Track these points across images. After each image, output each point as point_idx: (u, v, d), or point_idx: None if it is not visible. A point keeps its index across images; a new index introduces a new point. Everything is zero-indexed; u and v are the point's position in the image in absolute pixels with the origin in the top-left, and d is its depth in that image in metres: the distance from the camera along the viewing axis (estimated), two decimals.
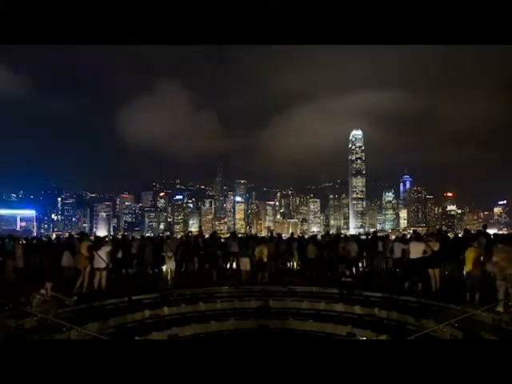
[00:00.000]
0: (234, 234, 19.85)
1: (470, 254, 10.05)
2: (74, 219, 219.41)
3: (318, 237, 21.41)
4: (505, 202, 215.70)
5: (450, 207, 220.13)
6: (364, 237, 18.51)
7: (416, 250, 12.09)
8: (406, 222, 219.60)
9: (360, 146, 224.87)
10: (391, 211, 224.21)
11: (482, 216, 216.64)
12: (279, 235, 20.01)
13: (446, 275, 13.51)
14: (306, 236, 22.29)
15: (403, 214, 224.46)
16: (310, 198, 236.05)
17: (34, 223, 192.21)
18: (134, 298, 11.83)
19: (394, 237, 21.56)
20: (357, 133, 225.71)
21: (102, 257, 11.40)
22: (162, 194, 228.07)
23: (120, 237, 24.61)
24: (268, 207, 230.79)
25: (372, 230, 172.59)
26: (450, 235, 19.38)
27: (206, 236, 19.10)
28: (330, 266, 15.51)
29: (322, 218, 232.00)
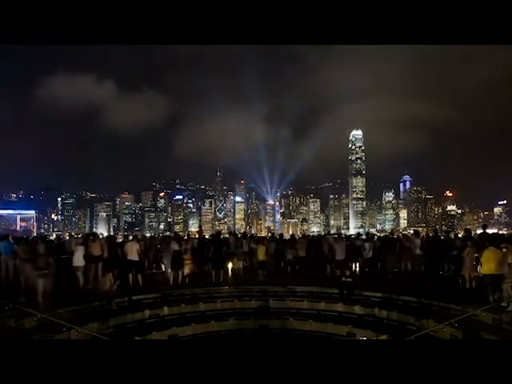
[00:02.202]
0: (233, 233, 19.82)
1: (489, 255, 9.66)
2: (73, 219, 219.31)
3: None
4: (505, 201, 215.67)
5: (450, 207, 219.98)
6: (364, 237, 18.43)
7: None
8: (405, 221, 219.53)
9: (360, 146, 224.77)
10: (391, 211, 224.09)
11: (482, 216, 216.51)
12: (281, 235, 19.99)
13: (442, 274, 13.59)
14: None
15: (403, 213, 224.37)
16: (310, 198, 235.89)
17: (34, 223, 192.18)
18: (134, 298, 11.84)
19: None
20: (357, 133, 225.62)
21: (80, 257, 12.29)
22: (162, 194, 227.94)
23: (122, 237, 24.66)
24: (268, 207, 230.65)
25: (372, 229, 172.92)
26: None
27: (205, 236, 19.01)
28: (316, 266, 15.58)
29: (322, 217, 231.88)
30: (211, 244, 16.16)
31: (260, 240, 17.23)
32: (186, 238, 17.79)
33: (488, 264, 9.53)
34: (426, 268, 14.52)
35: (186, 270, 13.78)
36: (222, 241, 16.71)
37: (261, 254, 14.86)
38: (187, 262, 13.83)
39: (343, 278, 12.97)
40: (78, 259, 12.37)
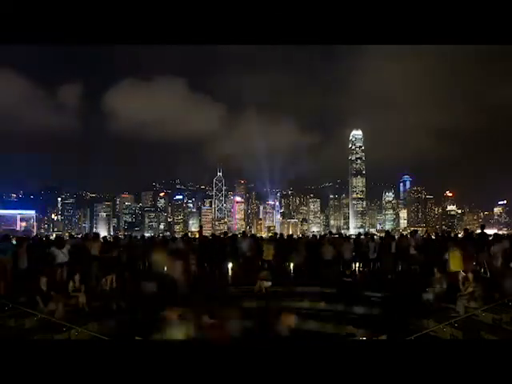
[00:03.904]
0: (244, 233, 20.10)
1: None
2: (73, 219, 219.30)
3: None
4: (505, 201, 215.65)
5: (450, 207, 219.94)
6: (363, 237, 18.42)
7: None
8: (405, 221, 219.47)
9: (360, 146, 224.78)
10: (391, 211, 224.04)
11: (482, 216, 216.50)
12: (281, 235, 20.07)
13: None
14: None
15: (403, 213, 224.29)
16: (310, 198, 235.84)
17: (34, 223, 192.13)
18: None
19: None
20: (357, 133, 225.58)
21: (65, 254, 12.26)
22: (162, 194, 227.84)
23: (122, 237, 24.80)
24: (268, 207, 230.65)
25: (372, 229, 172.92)
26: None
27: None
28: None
29: (322, 217, 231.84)
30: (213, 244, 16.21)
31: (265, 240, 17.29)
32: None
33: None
34: (424, 268, 14.48)
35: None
36: (223, 241, 16.79)
37: (268, 254, 14.84)
38: (191, 262, 13.73)
39: (344, 278, 12.99)
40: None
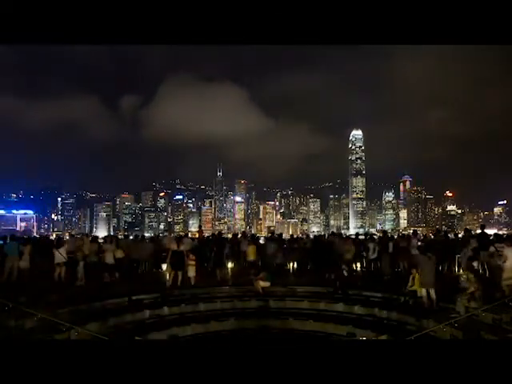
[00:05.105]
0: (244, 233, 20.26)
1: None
2: (74, 219, 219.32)
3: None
4: (505, 201, 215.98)
5: (450, 207, 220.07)
6: (363, 237, 18.44)
7: None
8: (405, 221, 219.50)
9: (360, 146, 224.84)
10: (391, 211, 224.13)
11: (482, 216, 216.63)
12: (280, 235, 20.11)
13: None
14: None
15: (403, 213, 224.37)
16: (310, 198, 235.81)
17: (34, 223, 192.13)
18: (133, 298, 11.83)
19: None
20: (357, 133, 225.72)
21: (63, 254, 12.97)
22: (162, 194, 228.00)
23: (122, 236, 24.84)
24: (268, 207, 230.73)
25: (372, 229, 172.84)
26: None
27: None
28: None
29: (322, 217, 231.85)
30: (214, 244, 16.24)
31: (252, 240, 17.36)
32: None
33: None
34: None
35: (191, 273, 13.52)
36: (224, 241, 16.82)
37: (250, 254, 14.85)
38: (190, 263, 13.61)
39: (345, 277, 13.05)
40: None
